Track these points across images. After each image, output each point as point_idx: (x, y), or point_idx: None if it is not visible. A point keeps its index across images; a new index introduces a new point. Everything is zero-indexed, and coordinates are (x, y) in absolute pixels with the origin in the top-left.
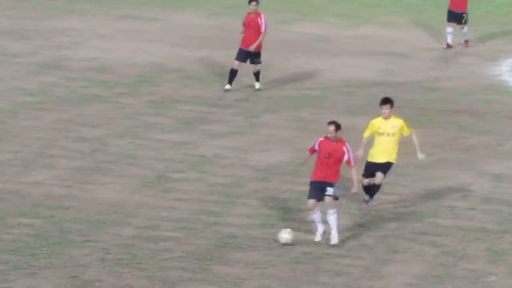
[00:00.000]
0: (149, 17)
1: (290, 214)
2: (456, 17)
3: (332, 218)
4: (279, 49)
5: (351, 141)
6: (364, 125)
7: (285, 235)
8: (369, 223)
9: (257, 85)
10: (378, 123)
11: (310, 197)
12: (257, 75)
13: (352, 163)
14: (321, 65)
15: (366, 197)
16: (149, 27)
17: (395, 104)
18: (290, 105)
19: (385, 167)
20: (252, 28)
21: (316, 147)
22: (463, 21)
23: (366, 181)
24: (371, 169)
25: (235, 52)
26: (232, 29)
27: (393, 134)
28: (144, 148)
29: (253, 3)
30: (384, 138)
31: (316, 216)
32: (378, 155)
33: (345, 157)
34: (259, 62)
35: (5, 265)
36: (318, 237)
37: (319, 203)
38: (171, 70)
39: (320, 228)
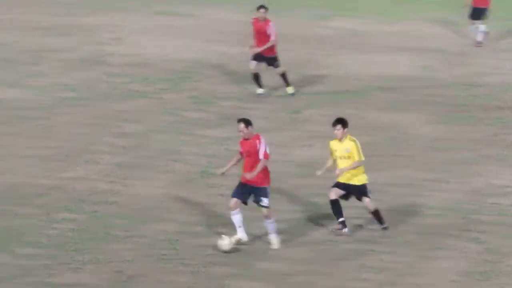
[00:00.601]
0: (187, 13)
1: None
2: (479, 13)
3: (270, 226)
4: (319, 45)
5: (391, 138)
6: (405, 122)
7: (222, 241)
8: (413, 220)
9: (290, 90)
10: (333, 145)
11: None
12: (285, 78)
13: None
14: (361, 61)
15: (338, 224)
16: (188, 23)
17: (437, 100)
18: (331, 101)
19: (361, 191)
20: (261, 34)
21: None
22: (484, 17)
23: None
24: (342, 187)
25: (277, 48)
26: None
27: (349, 157)
28: (186, 143)
29: (262, 10)
30: (342, 161)
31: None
32: (346, 176)
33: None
34: (278, 66)
35: (49, 260)
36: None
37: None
38: (212, 66)
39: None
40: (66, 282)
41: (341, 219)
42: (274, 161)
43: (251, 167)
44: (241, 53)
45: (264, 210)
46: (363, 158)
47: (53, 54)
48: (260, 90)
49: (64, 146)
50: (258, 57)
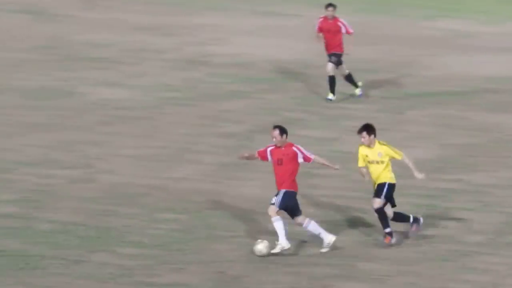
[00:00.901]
0: (290, 13)
1: (436, 211)
2: None
3: (275, 224)
4: (424, 46)
5: (494, 139)
6: (509, 123)
7: (260, 246)
8: None
9: (357, 91)
10: (363, 150)
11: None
12: (350, 79)
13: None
14: (465, 62)
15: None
16: (292, 23)
17: None
18: (435, 102)
19: (377, 190)
20: (333, 33)
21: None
22: None
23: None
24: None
25: (381, 48)
26: (378, 26)
27: (382, 162)
28: None
29: (330, 8)
30: (375, 166)
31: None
32: (375, 183)
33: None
34: (339, 63)
35: (152, 260)
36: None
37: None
38: (315, 66)
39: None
40: (168, 282)
41: (387, 230)
42: None
43: (282, 176)
44: (346, 53)
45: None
46: (402, 153)
47: (156, 54)
48: (331, 96)
49: (167, 146)
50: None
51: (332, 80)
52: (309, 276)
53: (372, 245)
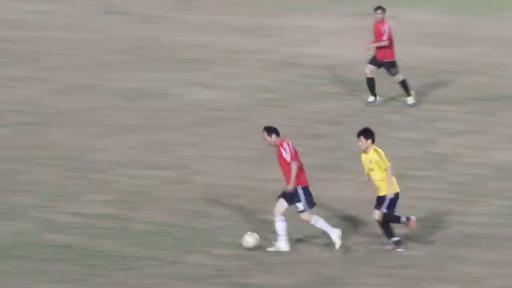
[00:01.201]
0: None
1: None
2: None
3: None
4: None
5: None
6: None
7: (249, 238)
8: None
9: (410, 100)
10: (363, 158)
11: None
12: (404, 86)
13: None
14: None
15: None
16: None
17: None
18: None
19: (378, 202)
20: (379, 37)
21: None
22: None
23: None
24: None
25: (471, 49)
26: (468, 27)
27: (373, 169)
28: (384, 145)
29: (379, 11)
30: (371, 173)
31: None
32: (376, 190)
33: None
34: (396, 73)
35: (246, 261)
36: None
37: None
38: (407, 67)
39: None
40: (262, 283)
41: (394, 239)
42: (470, 164)
43: (284, 175)
44: (440, 54)
45: (300, 215)
46: (388, 164)
47: (250, 55)
48: (371, 98)
49: (260, 147)
50: (374, 62)
51: (370, 82)
52: (404, 278)
53: (465, 246)
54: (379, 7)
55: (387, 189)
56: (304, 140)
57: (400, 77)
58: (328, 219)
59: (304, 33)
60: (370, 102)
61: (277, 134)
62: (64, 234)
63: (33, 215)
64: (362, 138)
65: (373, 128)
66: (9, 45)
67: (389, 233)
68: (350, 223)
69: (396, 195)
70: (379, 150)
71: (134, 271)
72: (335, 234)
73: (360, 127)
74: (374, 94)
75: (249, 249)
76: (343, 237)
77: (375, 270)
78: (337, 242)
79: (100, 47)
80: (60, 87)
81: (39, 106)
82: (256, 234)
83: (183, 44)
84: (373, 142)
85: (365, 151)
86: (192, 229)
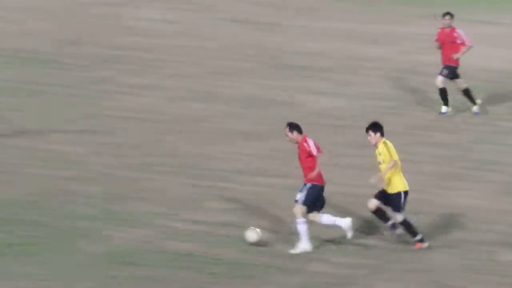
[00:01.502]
0: (498, 21)
1: None
2: None
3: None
4: None
5: None
6: None
7: (251, 233)
8: None
9: (475, 108)
10: (376, 152)
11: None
12: (467, 94)
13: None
14: None
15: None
16: (499, 31)
17: None
18: None
19: (393, 203)
20: (448, 43)
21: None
22: None
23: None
24: (382, 194)
25: None
26: None
27: (383, 162)
28: (504, 154)
29: (447, 17)
30: (380, 167)
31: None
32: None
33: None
34: (455, 77)
35: (367, 269)
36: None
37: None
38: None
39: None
40: None
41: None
42: None
43: (303, 171)
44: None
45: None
46: (394, 158)
47: (367, 63)
48: (444, 108)
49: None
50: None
51: (442, 93)
52: None
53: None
54: (447, 13)
55: (397, 187)
56: (422, 148)
57: (463, 85)
58: (447, 227)
59: (420, 41)
60: (444, 113)
61: (299, 131)
62: (185, 242)
63: (157, 222)
64: (370, 133)
65: (491, 136)
66: (137, 53)
67: (412, 232)
68: (468, 231)
69: (405, 193)
70: (388, 142)
71: (254, 279)
72: (304, 245)
73: (484, 134)
74: (447, 104)
75: (251, 244)
76: (459, 244)
77: (493, 278)
78: (297, 251)
79: (215, 55)
80: (182, 94)
81: (161, 114)
82: (258, 229)
83: (300, 51)
84: (382, 135)
85: (375, 145)
86: (312, 238)
